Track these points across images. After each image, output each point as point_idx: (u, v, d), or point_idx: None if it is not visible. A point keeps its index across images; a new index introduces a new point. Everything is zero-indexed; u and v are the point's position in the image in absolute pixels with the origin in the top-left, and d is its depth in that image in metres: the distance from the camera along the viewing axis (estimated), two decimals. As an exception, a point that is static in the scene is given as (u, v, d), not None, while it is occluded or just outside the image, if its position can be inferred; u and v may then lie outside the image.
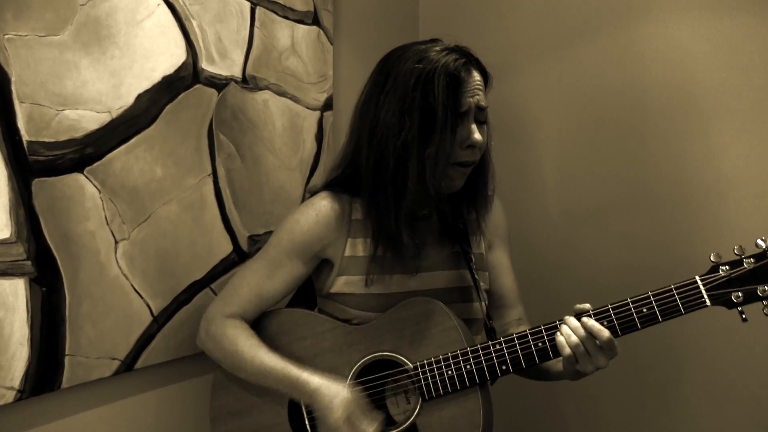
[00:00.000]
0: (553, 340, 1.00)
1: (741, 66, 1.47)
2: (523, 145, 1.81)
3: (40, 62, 0.99)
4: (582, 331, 0.97)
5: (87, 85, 1.05)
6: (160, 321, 1.19)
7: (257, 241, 1.40)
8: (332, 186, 1.16)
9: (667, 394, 1.60)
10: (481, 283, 1.17)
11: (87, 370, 1.06)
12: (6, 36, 0.94)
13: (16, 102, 0.96)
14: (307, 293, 1.23)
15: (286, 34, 1.48)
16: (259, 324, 1.15)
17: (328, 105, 1.62)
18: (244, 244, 1.37)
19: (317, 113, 1.59)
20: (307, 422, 1.08)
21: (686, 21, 1.54)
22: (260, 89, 1.41)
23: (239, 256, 1.35)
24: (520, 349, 1.02)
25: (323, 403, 1.01)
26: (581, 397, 1.72)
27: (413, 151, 1.03)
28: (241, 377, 1.11)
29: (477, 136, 1.06)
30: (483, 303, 1.15)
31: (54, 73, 1.01)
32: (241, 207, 1.37)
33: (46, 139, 1.00)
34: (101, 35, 1.08)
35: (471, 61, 1.08)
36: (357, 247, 1.12)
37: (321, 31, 1.59)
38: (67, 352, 1.03)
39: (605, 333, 0.96)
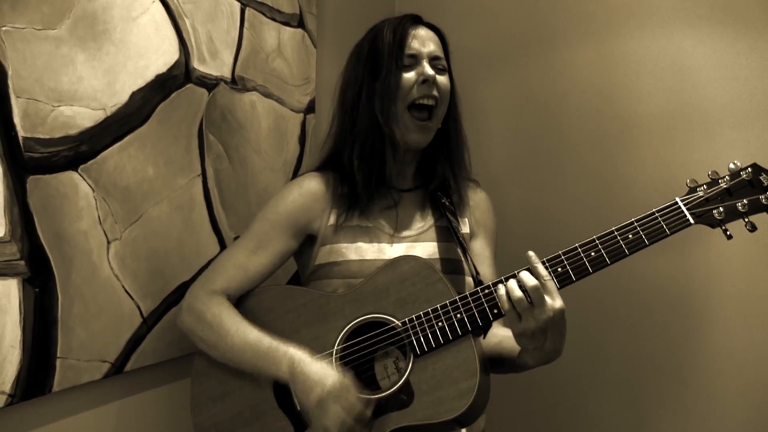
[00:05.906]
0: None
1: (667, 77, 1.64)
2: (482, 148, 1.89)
3: (37, 56, 0.96)
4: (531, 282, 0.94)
5: (83, 81, 1.03)
6: (149, 322, 1.16)
7: (243, 243, 1.39)
8: (318, 168, 1.20)
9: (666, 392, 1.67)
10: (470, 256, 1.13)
11: (78, 373, 1.03)
12: (3, 28, 0.91)
13: (12, 96, 0.92)
14: (298, 282, 1.22)
15: (273, 35, 1.49)
16: (241, 305, 1.11)
17: (310, 108, 1.63)
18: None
19: (300, 116, 1.59)
20: (294, 396, 1.02)
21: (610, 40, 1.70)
22: (248, 90, 1.41)
23: (226, 257, 1.34)
24: None
25: (303, 382, 0.97)
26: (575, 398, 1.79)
27: (365, 91, 1.12)
28: (218, 357, 1.06)
29: (429, 70, 1.11)
30: (473, 276, 1.09)
31: (50, 68, 0.98)
32: (228, 208, 1.36)
33: (42, 136, 0.97)
34: (97, 30, 1.05)
35: (417, 18, 1.17)
36: (341, 217, 1.13)
37: (305, 34, 1.60)
38: (58, 355, 1.00)
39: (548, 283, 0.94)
